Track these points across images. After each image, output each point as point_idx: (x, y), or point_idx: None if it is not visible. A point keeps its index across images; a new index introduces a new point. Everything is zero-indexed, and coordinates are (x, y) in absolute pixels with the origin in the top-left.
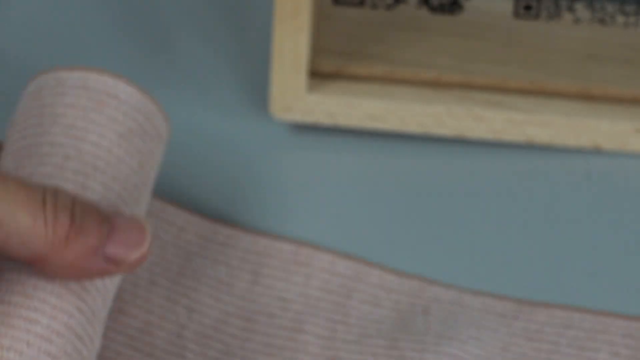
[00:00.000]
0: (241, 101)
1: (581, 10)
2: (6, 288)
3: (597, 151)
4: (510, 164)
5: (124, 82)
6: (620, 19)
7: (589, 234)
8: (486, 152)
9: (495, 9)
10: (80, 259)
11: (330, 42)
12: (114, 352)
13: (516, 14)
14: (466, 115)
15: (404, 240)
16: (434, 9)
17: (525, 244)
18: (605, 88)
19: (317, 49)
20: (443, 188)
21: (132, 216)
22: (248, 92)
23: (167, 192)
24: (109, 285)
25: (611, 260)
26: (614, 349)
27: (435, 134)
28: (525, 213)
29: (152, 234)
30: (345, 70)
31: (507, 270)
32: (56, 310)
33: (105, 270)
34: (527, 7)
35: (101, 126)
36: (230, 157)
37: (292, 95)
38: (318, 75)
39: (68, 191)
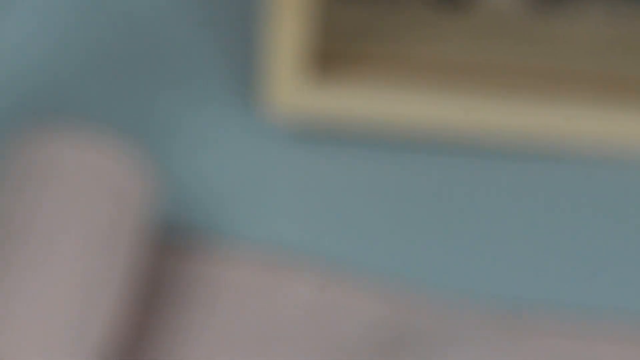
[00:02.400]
0: (229, 96)
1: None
2: None
3: (609, 148)
4: (515, 172)
5: (117, 154)
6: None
7: (588, 237)
8: (489, 161)
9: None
10: None
11: (331, 35)
12: None
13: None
14: (476, 108)
15: (385, 246)
16: (442, 1)
17: (526, 250)
18: (623, 80)
19: (316, 42)
20: (437, 195)
21: None
22: (236, 86)
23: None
24: None
25: (612, 262)
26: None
27: (441, 129)
28: (527, 219)
29: None
30: (346, 63)
31: (501, 277)
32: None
33: None
34: None
35: (96, 203)
36: (213, 158)
37: (286, 89)
38: (316, 69)
39: None
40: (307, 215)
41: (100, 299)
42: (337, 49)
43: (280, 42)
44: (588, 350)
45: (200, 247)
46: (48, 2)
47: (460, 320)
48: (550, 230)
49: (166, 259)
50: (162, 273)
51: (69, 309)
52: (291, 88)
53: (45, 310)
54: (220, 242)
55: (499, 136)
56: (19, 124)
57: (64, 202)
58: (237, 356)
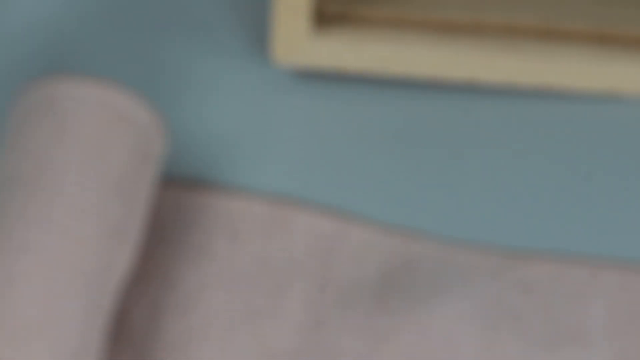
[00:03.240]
0: (240, 45)
1: None
2: (30, 298)
3: (611, 96)
4: (516, 111)
5: (141, 104)
6: None
7: (594, 179)
8: (492, 100)
9: None
10: None
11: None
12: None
13: None
14: (476, 59)
15: (392, 192)
16: None
17: (524, 193)
18: (620, 30)
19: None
20: (440, 138)
21: None
22: (247, 36)
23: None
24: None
25: (612, 207)
26: (610, 299)
27: (442, 78)
28: (524, 161)
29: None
30: (352, 12)
31: (499, 220)
32: (78, 328)
33: None
34: None
35: (120, 147)
36: (223, 105)
37: (296, 38)
38: (323, 18)
39: None
40: (312, 158)
41: (118, 242)
42: (336, 10)
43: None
44: (582, 302)
45: (207, 186)
46: None
47: (449, 272)
48: (549, 179)
49: (171, 194)
50: (167, 206)
51: (88, 253)
52: (296, 40)
53: (63, 256)
54: (226, 184)
55: (491, 80)
56: (30, 76)
57: (85, 143)
58: (237, 287)
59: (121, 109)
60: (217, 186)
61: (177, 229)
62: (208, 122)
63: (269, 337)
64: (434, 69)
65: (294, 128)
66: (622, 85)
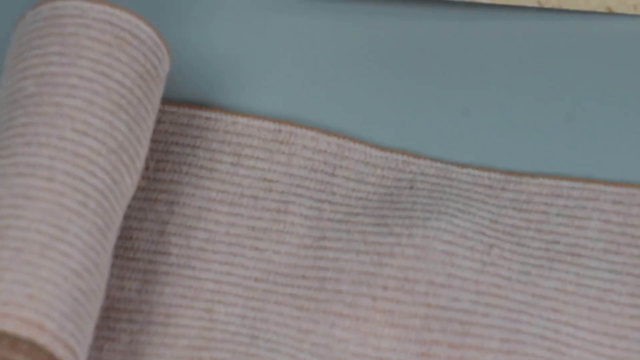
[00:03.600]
0: None
1: None
2: (41, 217)
3: (607, 14)
4: (515, 28)
5: (145, 23)
6: None
7: (588, 101)
8: (490, 16)
9: None
10: None
11: None
12: None
13: None
14: None
15: (387, 114)
16: None
17: (516, 114)
18: None
19: None
20: (439, 56)
21: None
22: None
23: None
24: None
25: (606, 128)
26: (605, 216)
27: None
28: (522, 81)
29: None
30: None
31: (495, 142)
32: (88, 248)
33: None
34: None
35: (125, 65)
36: (226, 25)
37: None
38: None
39: None
40: (313, 79)
41: (124, 160)
42: None
43: None
44: (578, 217)
45: (211, 106)
46: None
47: (447, 190)
48: (545, 98)
49: (175, 114)
50: (171, 126)
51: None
52: None
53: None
54: (229, 105)
55: None
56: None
57: (90, 61)
58: (241, 205)
59: (126, 27)
60: (220, 106)
61: (182, 148)
62: (211, 42)
63: (272, 254)
64: None
65: (297, 48)
66: (616, 3)
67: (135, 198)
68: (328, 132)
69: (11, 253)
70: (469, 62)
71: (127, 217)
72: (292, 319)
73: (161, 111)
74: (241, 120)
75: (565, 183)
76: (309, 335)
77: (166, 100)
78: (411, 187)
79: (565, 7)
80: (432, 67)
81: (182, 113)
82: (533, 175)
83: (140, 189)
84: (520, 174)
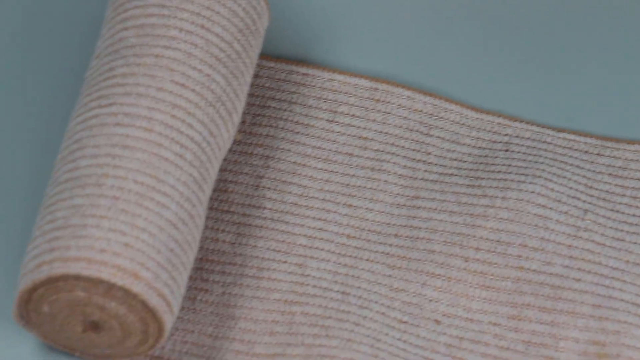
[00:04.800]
0: None
1: None
2: (138, 167)
3: None
4: None
5: None
6: None
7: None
8: None
9: None
10: None
11: None
12: None
13: None
14: None
15: (485, 76)
16: None
17: (615, 79)
18: None
19: None
20: (541, 17)
21: None
22: None
23: None
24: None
25: None
26: None
27: None
28: (621, 44)
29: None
30: None
31: (592, 107)
32: (183, 199)
33: None
34: None
35: (224, 19)
36: None
37: None
38: None
39: None
40: (410, 40)
41: (221, 113)
42: None
43: None
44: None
45: (308, 62)
46: None
47: (542, 154)
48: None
49: (273, 69)
50: (268, 82)
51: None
52: None
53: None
54: (326, 62)
55: None
56: None
57: (190, 13)
58: (335, 162)
59: None
60: (318, 63)
61: (278, 103)
62: (294, 5)
63: (365, 211)
64: None
65: (396, 6)
66: None
67: (231, 151)
68: (424, 92)
69: (108, 202)
70: (570, 24)
71: (222, 170)
72: (383, 277)
73: (259, 66)
74: (338, 77)
75: None
76: (400, 293)
77: (264, 55)
78: (506, 150)
79: None
80: (532, 29)
81: (280, 68)
82: (630, 141)
83: (236, 142)
84: (617, 139)
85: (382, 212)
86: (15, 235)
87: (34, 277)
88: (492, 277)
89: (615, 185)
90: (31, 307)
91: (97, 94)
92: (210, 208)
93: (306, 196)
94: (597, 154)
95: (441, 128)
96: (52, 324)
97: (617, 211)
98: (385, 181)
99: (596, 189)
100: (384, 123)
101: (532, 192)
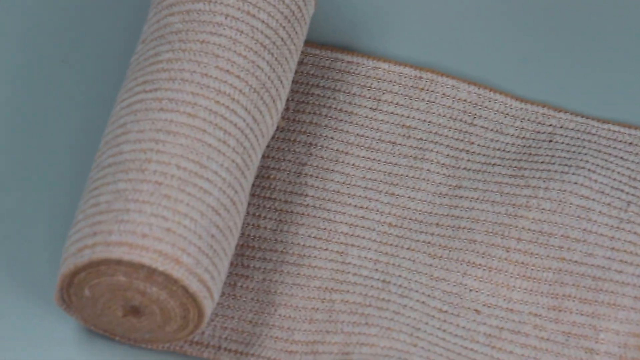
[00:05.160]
0: None
1: None
2: (181, 153)
3: None
4: None
5: None
6: None
7: None
8: None
9: None
10: None
11: None
12: None
13: None
14: None
15: (530, 66)
16: None
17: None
18: None
19: None
20: (584, 7)
21: None
22: None
23: None
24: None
25: None
26: None
27: None
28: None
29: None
30: None
31: (637, 98)
32: (226, 185)
33: None
34: None
35: (270, 5)
36: None
37: None
38: None
39: None
40: (436, 36)
41: (265, 100)
42: None
43: None
44: None
45: (353, 50)
46: None
47: (587, 145)
48: None
49: (317, 57)
50: (313, 69)
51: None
52: None
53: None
54: (370, 50)
55: None
56: None
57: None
58: (378, 150)
59: None
60: (362, 51)
61: (322, 91)
62: None
63: (407, 200)
64: None
65: None
66: None
67: (274, 138)
68: (469, 81)
69: (151, 186)
70: (617, 14)
71: (265, 156)
72: (424, 266)
73: (304, 53)
74: (382, 65)
75: None
76: (441, 283)
77: (309, 42)
78: (550, 140)
79: None
80: (578, 18)
81: (324, 56)
82: None
83: (279, 129)
84: None
85: (424, 201)
86: (58, 218)
87: (75, 260)
88: (533, 267)
89: None
90: (72, 291)
91: (142, 79)
92: (252, 194)
93: (348, 184)
94: None
95: (485, 118)
96: (93, 308)
97: None
98: (427, 170)
99: None
100: (427, 112)
101: (575, 183)
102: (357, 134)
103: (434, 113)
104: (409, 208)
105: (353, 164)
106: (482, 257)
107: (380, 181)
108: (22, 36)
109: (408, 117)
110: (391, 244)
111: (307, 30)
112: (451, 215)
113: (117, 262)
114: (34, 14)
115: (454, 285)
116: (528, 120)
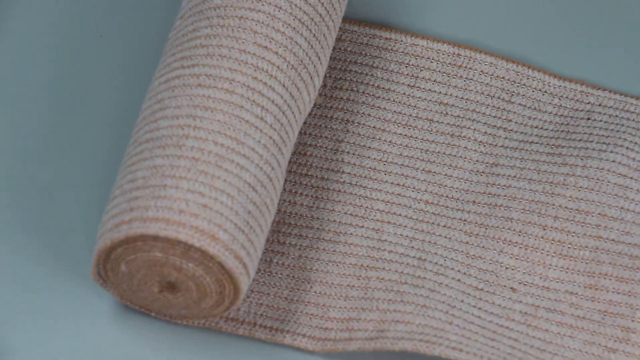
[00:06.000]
0: None
1: None
2: (219, 129)
3: None
4: None
5: None
6: None
7: None
8: None
9: None
10: None
11: None
12: None
13: None
14: None
15: (568, 44)
16: None
17: None
18: None
19: None
20: None
21: None
22: None
23: None
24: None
25: None
26: None
27: None
28: None
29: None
30: None
31: None
32: (262, 161)
33: None
34: None
35: None
36: None
37: None
38: None
39: None
40: (474, 14)
41: (303, 76)
42: None
43: None
44: None
45: (391, 27)
46: None
47: (625, 122)
48: None
49: (356, 33)
50: (351, 45)
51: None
52: None
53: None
54: (408, 28)
55: None
56: None
57: None
58: (415, 128)
59: None
60: (400, 27)
61: (360, 67)
62: None
63: (443, 177)
64: None
65: None
66: None
67: (311, 115)
68: (507, 58)
69: (188, 162)
70: None
71: (302, 133)
72: (460, 244)
73: (342, 29)
74: (420, 42)
75: None
76: (477, 261)
77: (347, 19)
78: (588, 118)
79: None
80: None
81: (362, 32)
82: None
83: (317, 105)
84: None
85: (461, 178)
86: (95, 193)
87: (112, 236)
88: (569, 246)
89: None
90: (109, 266)
91: (180, 54)
92: (289, 171)
93: (385, 161)
94: None
95: (523, 95)
96: (129, 284)
97: None
98: (464, 147)
99: None
100: (465, 89)
101: (613, 162)
102: (395, 111)
103: (471, 90)
104: (446, 186)
105: (390, 141)
106: (519, 235)
107: (417, 158)
108: (62, 12)
109: (445, 94)
110: (427, 222)
111: (345, 7)
112: (488, 193)
113: (154, 238)
114: None
115: (490, 263)
116: (566, 97)
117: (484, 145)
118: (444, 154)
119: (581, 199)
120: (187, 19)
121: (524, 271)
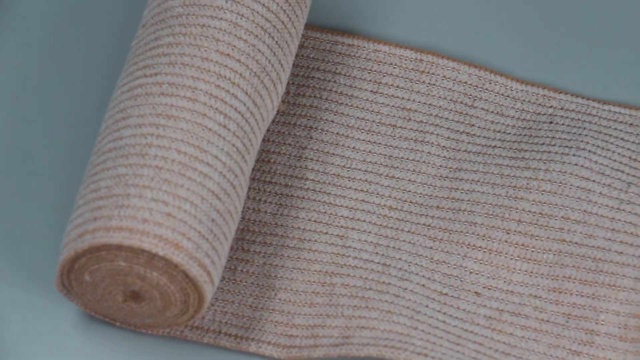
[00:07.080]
0: None
1: None
2: (182, 137)
3: None
4: None
5: None
6: None
7: None
8: None
9: None
10: None
11: None
12: None
13: None
14: None
15: (530, 48)
16: None
17: None
18: None
19: None
20: None
21: None
22: None
23: None
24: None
25: None
26: None
27: None
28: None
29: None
30: None
31: (637, 79)
32: (226, 169)
33: None
34: None
35: None
36: None
37: None
38: None
39: None
40: (437, 19)
41: (265, 84)
42: None
43: None
44: None
45: (353, 33)
46: None
47: (587, 126)
48: None
49: (317, 40)
50: (313, 52)
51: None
52: None
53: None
54: (370, 34)
55: None
56: None
57: None
58: (379, 133)
59: None
60: (362, 34)
61: (322, 74)
62: None
63: (407, 183)
64: None
65: None
66: None
67: (274, 122)
68: (469, 63)
69: (151, 171)
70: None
71: (265, 140)
72: (424, 249)
73: (304, 36)
74: (383, 48)
75: None
76: (441, 265)
77: (309, 26)
78: (550, 122)
79: None
80: (577, 0)
81: (325, 39)
82: None
83: (280, 112)
84: None
85: (425, 183)
86: (58, 204)
87: (76, 246)
88: (533, 249)
89: None
90: (73, 276)
91: (143, 63)
92: (253, 178)
93: (348, 167)
94: None
95: (485, 100)
96: (94, 293)
97: None
98: (428, 153)
99: None
100: (428, 94)
101: (576, 165)
102: (358, 117)
103: (434, 95)
104: (409, 191)
105: (353, 147)
106: (483, 239)
107: (381, 164)
108: (22, 22)
109: (408, 99)
110: (391, 227)
111: (307, 14)
112: (451, 197)
113: (118, 247)
114: None
115: (454, 268)
116: (528, 102)
117: (448, 150)
118: (407, 159)
119: (544, 203)
120: (149, 28)
121: (488, 275)
